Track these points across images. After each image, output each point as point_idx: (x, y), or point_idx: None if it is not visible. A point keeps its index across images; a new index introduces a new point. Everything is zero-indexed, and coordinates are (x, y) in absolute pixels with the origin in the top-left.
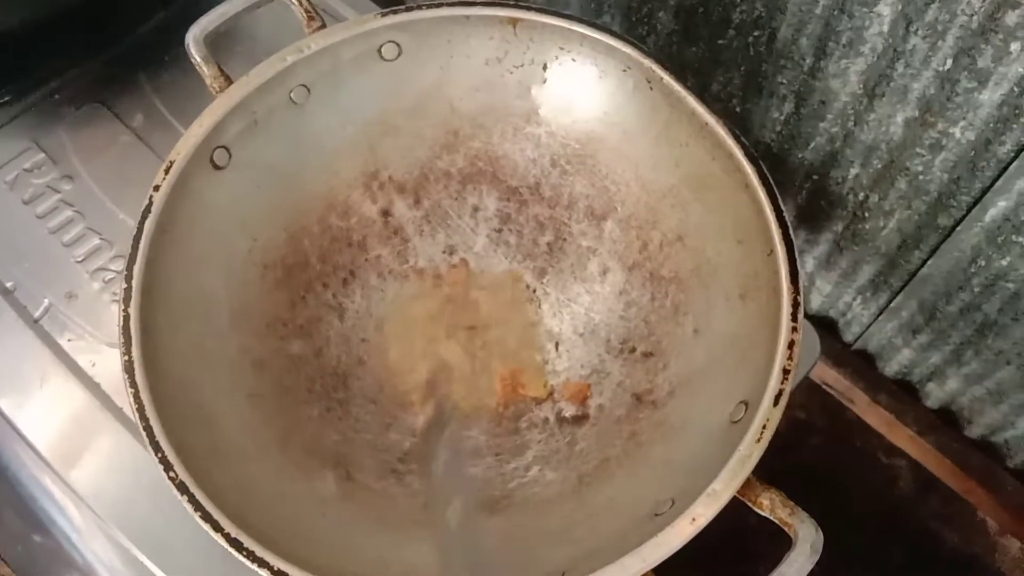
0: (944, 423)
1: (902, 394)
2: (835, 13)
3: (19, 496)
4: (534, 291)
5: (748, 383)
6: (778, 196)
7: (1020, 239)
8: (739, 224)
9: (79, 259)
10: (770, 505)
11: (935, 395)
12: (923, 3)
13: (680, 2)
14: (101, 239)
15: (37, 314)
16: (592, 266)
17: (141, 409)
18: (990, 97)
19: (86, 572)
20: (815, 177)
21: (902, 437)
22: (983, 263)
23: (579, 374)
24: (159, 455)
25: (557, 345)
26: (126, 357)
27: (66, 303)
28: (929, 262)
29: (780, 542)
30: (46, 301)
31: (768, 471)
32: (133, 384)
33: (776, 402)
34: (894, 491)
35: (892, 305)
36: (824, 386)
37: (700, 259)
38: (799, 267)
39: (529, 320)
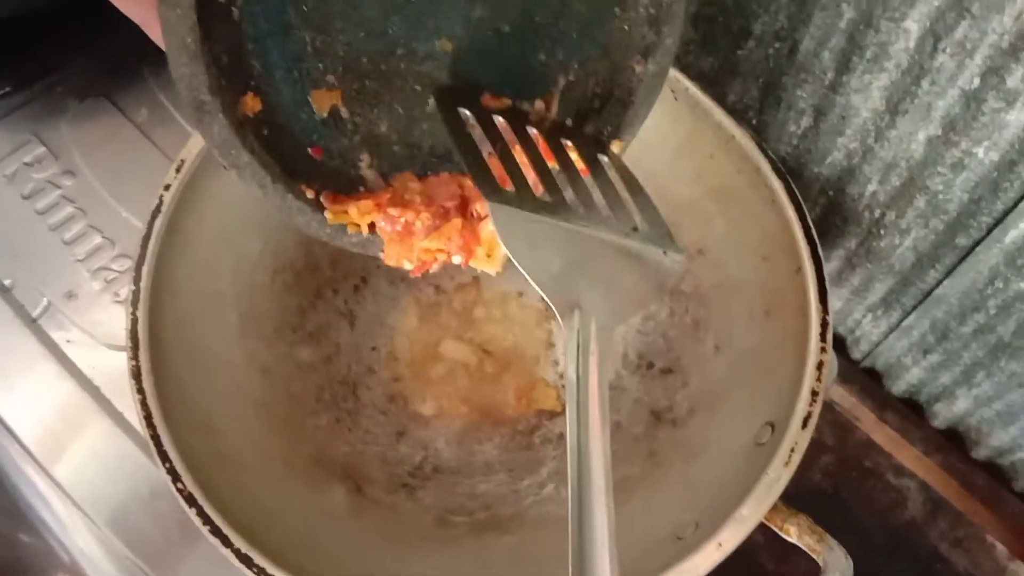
0: (950, 444)
1: (909, 413)
2: (860, 27)
3: (9, 496)
4: (548, 304)
5: (773, 403)
6: (806, 212)
7: None
8: (764, 240)
9: (80, 258)
10: (797, 531)
11: (943, 415)
12: (953, 20)
13: (699, 11)
14: (103, 238)
15: (36, 313)
16: None
17: (148, 417)
18: (1017, 118)
19: (73, 572)
20: (831, 193)
21: (908, 457)
22: (1001, 285)
23: None
24: (167, 465)
25: None
26: (133, 362)
27: (66, 303)
28: (944, 282)
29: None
30: (45, 300)
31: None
32: (140, 391)
33: (805, 425)
34: (903, 512)
35: (904, 324)
36: (830, 403)
37: (722, 274)
38: (827, 286)
39: (543, 333)
